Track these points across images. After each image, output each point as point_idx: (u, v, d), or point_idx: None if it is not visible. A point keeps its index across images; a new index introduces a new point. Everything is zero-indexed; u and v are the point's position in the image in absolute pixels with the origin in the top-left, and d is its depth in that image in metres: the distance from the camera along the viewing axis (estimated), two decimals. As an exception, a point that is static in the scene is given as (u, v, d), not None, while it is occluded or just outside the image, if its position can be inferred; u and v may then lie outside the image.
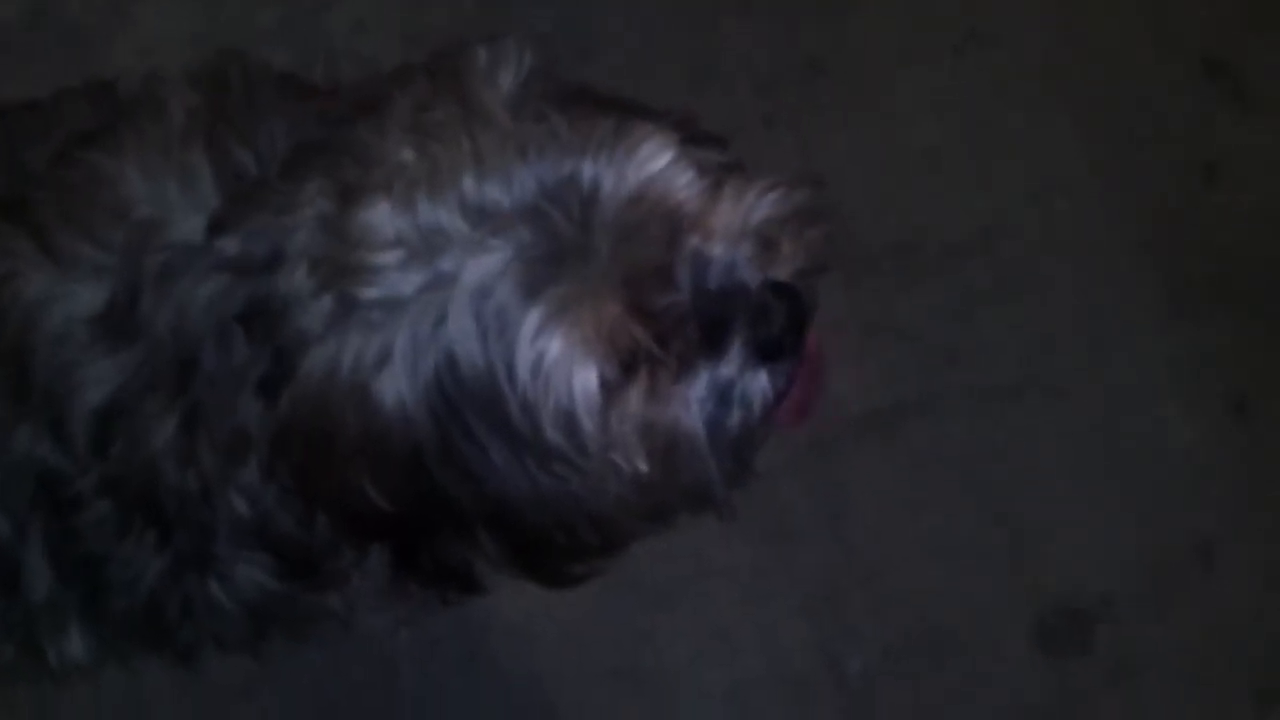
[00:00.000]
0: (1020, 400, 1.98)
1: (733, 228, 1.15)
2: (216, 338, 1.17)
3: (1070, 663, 1.89)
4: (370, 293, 1.07)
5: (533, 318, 1.06)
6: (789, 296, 1.17)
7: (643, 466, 1.13)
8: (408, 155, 1.08)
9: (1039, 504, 1.93)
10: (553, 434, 1.09)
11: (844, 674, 1.88)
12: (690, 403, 1.15)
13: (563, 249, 1.06)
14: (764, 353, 1.17)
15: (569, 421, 1.09)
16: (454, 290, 1.06)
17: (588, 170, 1.07)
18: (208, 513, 1.23)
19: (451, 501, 1.13)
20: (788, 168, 2.03)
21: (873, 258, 2.03)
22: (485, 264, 1.06)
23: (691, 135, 1.18)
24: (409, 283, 1.06)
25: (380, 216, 1.07)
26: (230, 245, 1.14)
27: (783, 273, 1.18)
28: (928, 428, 1.96)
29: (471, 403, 1.08)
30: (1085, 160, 2.09)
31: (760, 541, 1.90)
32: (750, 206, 1.16)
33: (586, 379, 1.08)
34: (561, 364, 1.07)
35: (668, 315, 1.11)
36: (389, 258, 1.06)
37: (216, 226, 1.15)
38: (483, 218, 1.06)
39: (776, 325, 1.16)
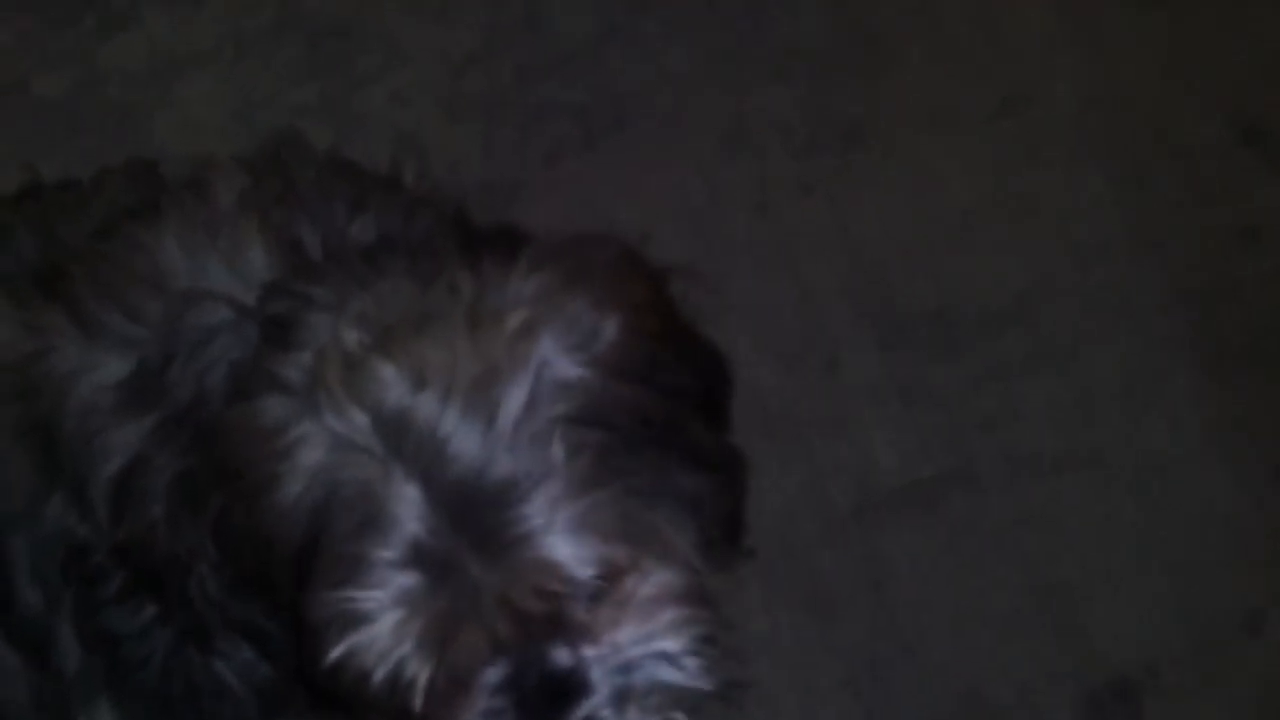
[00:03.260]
0: (1059, 468, 1.95)
1: (608, 669, 1.12)
2: (227, 388, 1.17)
3: (1120, 735, 1.85)
4: (348, 409, 1.06)
5: (396, 585, 1.04)
6: None
7: None
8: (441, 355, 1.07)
9: (1081, 573, 1.90)
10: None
11: (889, 748, 1.85)
12: None
13: (454, 555, 1.04)
14: None
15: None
16: (346, 473, 1.06)
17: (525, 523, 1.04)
18: (194, 583, 1.21)
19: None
20: (823, 234, 2.09)
21: (909, 325, 2.02)
22: (403, 489, 1.05)
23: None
24: (358, 428, 1.06)
25: (388, 373, 1.06)
26: (277, 306, 1.15)
27: None
28: (967, 497, 1.93)
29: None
30: (1123, 225, 2.08)
31: (801, 612, 1.88)
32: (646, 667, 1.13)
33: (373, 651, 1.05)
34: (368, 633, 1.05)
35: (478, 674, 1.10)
36: (366, 401, 1.06)
37: (273, 290, 1.17)
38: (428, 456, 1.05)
39: None
